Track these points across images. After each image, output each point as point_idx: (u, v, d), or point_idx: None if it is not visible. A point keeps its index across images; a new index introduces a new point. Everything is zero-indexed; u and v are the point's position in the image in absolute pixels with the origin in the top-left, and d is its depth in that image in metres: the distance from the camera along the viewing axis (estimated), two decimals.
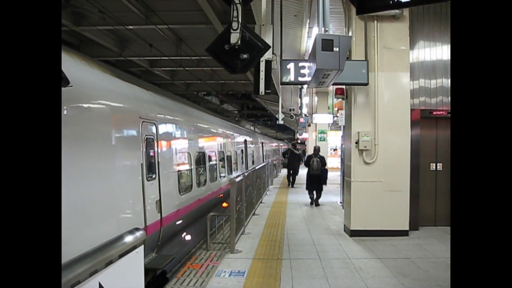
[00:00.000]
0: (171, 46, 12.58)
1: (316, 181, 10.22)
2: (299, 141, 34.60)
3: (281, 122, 18.74)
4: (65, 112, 3.74)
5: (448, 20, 6.78)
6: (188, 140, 7.75)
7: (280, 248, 5.95)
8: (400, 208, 6.53)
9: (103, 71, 5.17)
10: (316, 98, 17.78)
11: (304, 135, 24.12)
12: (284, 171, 20.25)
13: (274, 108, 25.52)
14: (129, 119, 5.16)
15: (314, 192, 10.32)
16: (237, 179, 6.37)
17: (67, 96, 3.76)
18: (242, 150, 14.88)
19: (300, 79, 6.28)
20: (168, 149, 6.44)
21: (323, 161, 10.33)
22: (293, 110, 19.17)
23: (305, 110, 18.66)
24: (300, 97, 17.50)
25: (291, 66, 6.27)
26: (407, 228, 6.57)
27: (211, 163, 9.50)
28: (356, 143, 6.55)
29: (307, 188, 10.50)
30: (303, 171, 13.48)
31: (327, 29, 4.30)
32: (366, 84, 6.42)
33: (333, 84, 5.81)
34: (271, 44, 4.69)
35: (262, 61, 4.95)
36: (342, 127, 9.38)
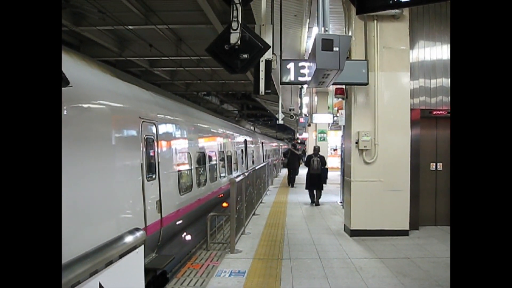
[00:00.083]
0: (171, 46, 12.58)
1: (316, 181, 10.27)
2: (299, 141, 34.60)
3: (281, 122, 18.74)
4: (65, 112, 3.74)
5: (448, 19, 6.78)
6: (188, 140, 7.74)
7: (280, 248, 5.95)
8: (400, 208, 6.53)
9: (103, 71, 5.16)
10: (316, 98, 17.78)
11: (304, 135, 24.12)
12: (284, 171, 20.29)
13: (274, 108, 25.53)
14: (129, 119, 5.16)
15: (315, 192, 10.37)
16: (237, 179, 6.37)
17: (67, 96, 3.76)
18: (242, 150, 14.89)
19: (300, 79, 6.28)
20: (168, 149, 6.43)
21: (323, 160, 10.39)
22: (293, 110, 19.19)
23: (305, 110, 18.66)
24: (300, 97, 17.51)
25: (291, 66, 6.27)
26: (407, 228, 6.57)
27: (211, 163, 9.50)
28: (356, 143, 6.55)
29: (307, 188, 10.53)
30: (303, 171, 13.49)
31: (327, 29, 4.30)
32: (366, 84, 6.42)
33: (333, 84, 5.81)
34: (271, 44, 4.69)
35: (262, 61, 4.95)
36: (342, 127, 9.39)
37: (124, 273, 2.58)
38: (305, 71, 6.15)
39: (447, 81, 6.94)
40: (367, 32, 6.54)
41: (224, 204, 9.45)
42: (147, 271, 4.97)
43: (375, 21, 6.49)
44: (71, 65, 4.24)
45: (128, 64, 14.56)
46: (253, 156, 17.95)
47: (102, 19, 9.66)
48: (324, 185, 10.51)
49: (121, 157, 4.82)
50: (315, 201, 10.33)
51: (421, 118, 6.99)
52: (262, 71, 5.06)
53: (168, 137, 6.54)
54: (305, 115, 18.62)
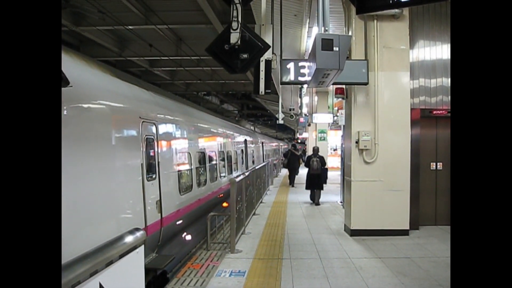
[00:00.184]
0: (171, 46, 12.58)
1: (316, 181, 10.35)
2: (299, 141, 34.59)
3: (281, 122, 18.76)
4: (65, 112, 3.74)
5: (448, 19, 6.78)
6: (188, 140, 7.74)
7: (280, 248, 5.95)
8: (401, 207, 6.53)
9: (103, 71, 5.16)
10: (316, 98, 17.77)
11: (304, 135, 24.11)
12: (284, 171, 20.32)
13: (274, 107, 25.51)
14: (129, 119, 5.16)
15: (315, 191, 10.43)
16: (238, 179, 6.37)
17: (67, 96, 3.76)
18: (242, 150, 14.89)
19: (300, 78, 6.28)
20: (168, 149, 6.43)
21: (322, 160, 10.49)
22: (293, 109, 19.20)
23: (305, 110, 18.66)
24: (300, 97, 17.51)
25: (291, 65, 6.27)
26: (408, 228, 6.57)
27: (211, 163, 9.50)
28: (356, 142, 6.55)
29: (307, 188, 10.60)
30: (303, 171, 13.51)
31: (327, 28, 4.30)
32: (366, 84, 6.42)
33: (333, 84, 5.81)
34: (271, 44, 4.69)
35: (262, 61, 4.95)
36: (342, 126, 9.39)
37: (124, 273, 2.58)
38: (305, 71, 6.15)
39: (447, 81, 6.94)
40: (367, 31, 6.54)
41: (224, 204, 9.46)
42: (147, 271, 4.97)
43: (375, 21, 6.49)
44: (71, 65, 4.24)
45: (128, 64, 14.56)
46: (253, 156, 17.95)
47: (102, 19, 9.66)
48: (324, 185, 10.57)
49: (121, 157, 4.82)
50: (315, 201, 10.37)
51: (421, 117, 6.99)
52: (262, 71, 5.05)
53: (168, 137, 6.54)
54: (305, 115, 18.62)
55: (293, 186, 14.80)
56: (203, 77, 17.48)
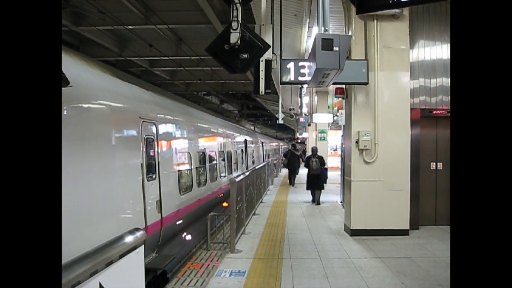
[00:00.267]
0: (171, 46, 12.57)
1: (316, 181, 10.39)
2: (299, 141, 34.58)
3: (281, 121, 18.76)
4: (65, 112, 3.74)
5: (448, 19, 6.78)
6: (188, 140, 7.74)
7: (280, 247, 5.95)
8: (401, 207, 6.53)
9: (103, 71, 5.16)
10: (316, 98, 17.77)
11: (304, 135, 24.11)
12: (284, 171, 20.36)
13: (274, 107, 25.51)
14: (129, 119, 5.16)
15: (315, 191, 10.48)
16: (238, 179, 6.37)
17: (67, 96, 3.76)
18: (242, 150, 14.90)
19: (300, 78, 6.28)
20: (168, 149, 6.43)
21: (321, 160, 10.57)
22: (293, 109, 19.21)
23: (305, 110, 18.66)
24: (300, 97, 17.51)
25: (291, 65, 6.27)
26: (408, 228, 6.57)
27: (211, 163, 9.50)
28: (356, 142, 6.55)
29: (308, 188, 10.64)
30: (303, 171, 13.53)
31: (327, 28, 4.30)
32: (366, 84, 6.42)
33: (333, 84, 5.81)
34: (271, 44, 4.68)
35: (262, 60, 4.94)
36: (342, 126, 9.39)
37: (124, 273, 2.58)
38: (305, 70, 6.15)
39: (447, 81, 6.94)
40: (367, 31, 6.53)
41: (224, 204, 9.46)
42: (148, 271, 4.97)
43: (375, 21, 6.49)
44: (71, 65, 4.24)
45: (128, 64, 14.55)
46: (253, 156, 17.96)
47: (102, 19, 9.66)
48: (324, 184, 10.61)
49: (121, 157, 4.82)
50: (316, 200, 10.44)
51: (421, 117, 6.99)
52: (262, 70, 5.05)
53: (168, 137, 6.54)
54: (305, 114, 18.63)
55: (293, 185, 14.89)
56: (203, 77, 17.48)
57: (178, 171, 6.87)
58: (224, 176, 10.92)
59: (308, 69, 5.93)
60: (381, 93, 6.54)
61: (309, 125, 19.14)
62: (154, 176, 5.62)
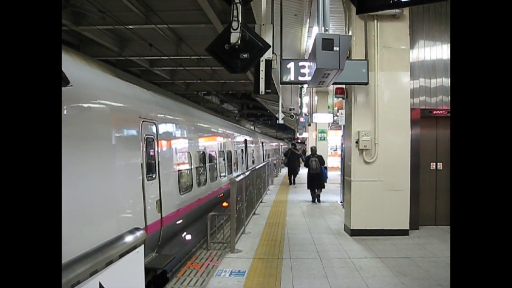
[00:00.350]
0: (171, 46, 12.58)
1: (317, 180, 10.46)
2: (299, 141, 34.59)
3: (281, 121, 18.78)
4: (65, 112, 3.74)
5: (448, 19, 6.78)
6: (188, 139, 7.74)
7: (280, 247, 5.95)
8: (400, 207, 6.53)
9: (103, 71, 5.16)
10: (316, 98, 17.77)
11: (304, 135, 24.11)
12: (284, 171, 20.38)
13: (274, 107, 25.51)
14: (129, 119, 5.16)
15: (316, 190, 10.57)
16: (238, 179, 6.37)
17: (67, 96, 3.76)
18: (242, 150, 14.91)
19: (300, 78, 6.27)
20: (168, 149, 6.43)
21: (321, 160, 10.68)
22: (293, 109, 19.21)
23: (305, 110, 18.67)
24: (300, 97, 17.51)
25: (291, 65, 6.26)
26: (408, 228, 6.57)
27: (211, 162, 9.50)
28: (356, 142, 6.55)
29: (308, 187, 10.68)
30: (304, 170, 13.54)
31: (327, 28, 4.30)
32: (366, 84, 6.42)
33: (333, 84, 5.81)
34: (271, 44, 4.68)
35: (262, 60, 4.95)
36: (342, 126, 9.39)
37: (124, 272, 2.58)
38: (305, 70, 6.14)
39: (447, 81, 6.94)
40: (367, 31, 6.53)
41: (224, 204, 9.45)
42: (147, 270, 4.97)
43: (375, 21, 6.49)
44: (71, 65, 4.23)
45: (128, 64, 14.56)
46: (253, 156, 17.96)
47: (102, 19, 9.67)
48: (324, 183, 10.69)
49: (121, 156, 4.82)
50: (317, 199, 10.53)
51: (421, 117, 6.99)
52: (262, 70, 5.06)
53: (168, 136, 6.54)
54: (305, 114, 18.64)
55: (293, 184, 15.03)
56: (203, 77, 17.49)
57: (178, 170, 6.87)
58: (224, 176, 10.92)
59: (308, 69, 5.93)
60: (381, 93, 6.54)
61: (309, 125, 19.14)
62: (154, 176, 5.62)
